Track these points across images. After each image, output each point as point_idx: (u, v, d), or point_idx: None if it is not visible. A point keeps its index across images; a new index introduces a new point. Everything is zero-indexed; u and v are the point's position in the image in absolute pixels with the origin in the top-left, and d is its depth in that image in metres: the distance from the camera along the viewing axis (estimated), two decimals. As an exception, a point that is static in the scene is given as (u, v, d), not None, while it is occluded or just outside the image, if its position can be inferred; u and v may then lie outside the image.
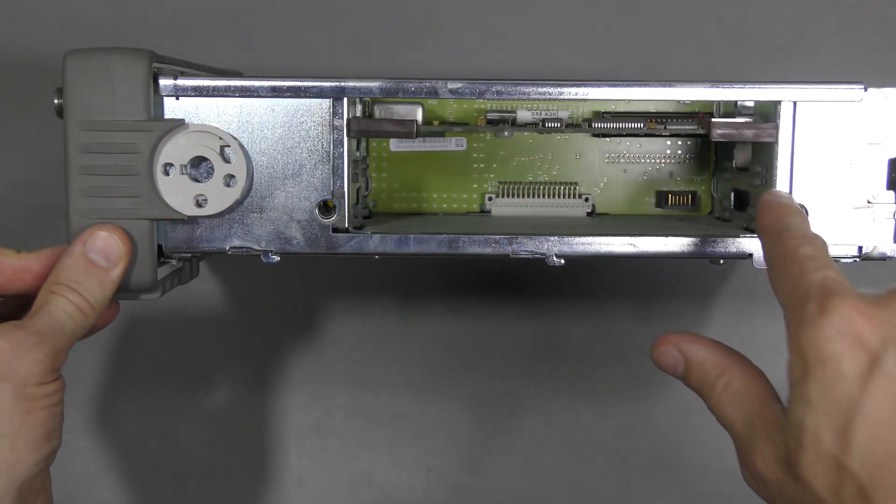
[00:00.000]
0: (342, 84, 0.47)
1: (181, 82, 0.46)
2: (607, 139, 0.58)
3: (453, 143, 0.58)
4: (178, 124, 0.46)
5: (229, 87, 0.47)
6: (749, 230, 0.51)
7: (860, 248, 0.48)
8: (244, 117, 0.47)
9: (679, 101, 0.57)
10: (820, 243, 0.40)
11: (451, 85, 0.47)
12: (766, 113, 0.49)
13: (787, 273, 0.39)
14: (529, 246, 0.48)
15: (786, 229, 0.41)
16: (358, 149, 0.52)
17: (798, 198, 0.47)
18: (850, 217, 0.48)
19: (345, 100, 0.47)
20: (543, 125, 0.54)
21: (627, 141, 0.58)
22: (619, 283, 0.68)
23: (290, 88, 0.47)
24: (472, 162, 0.59)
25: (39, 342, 0.41)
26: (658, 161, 0.59)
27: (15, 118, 0.66)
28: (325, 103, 0.47)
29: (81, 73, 0.45)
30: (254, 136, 0.47)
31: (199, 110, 0.47)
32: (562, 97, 0.47)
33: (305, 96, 0.47)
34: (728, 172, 0.56)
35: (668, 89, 0.47)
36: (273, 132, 0.47)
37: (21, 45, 0.66)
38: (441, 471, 0.69)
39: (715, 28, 0.66)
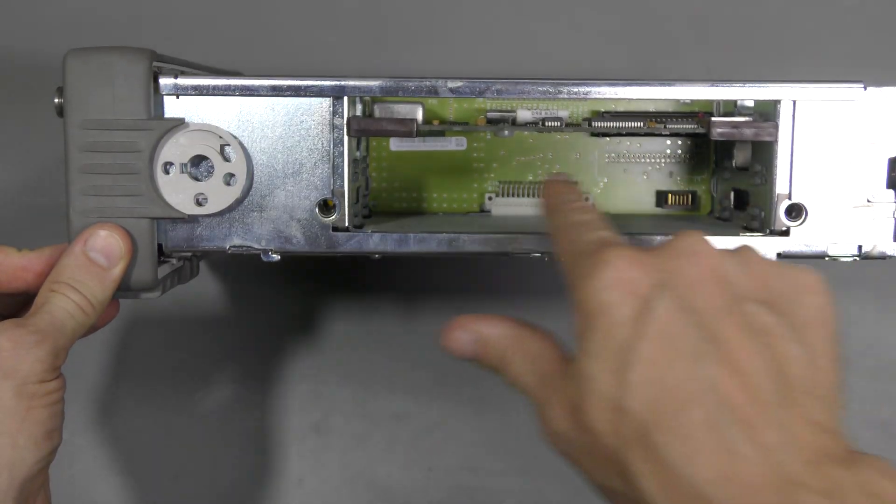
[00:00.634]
0: (342, 83, 0.47)
1: (181, 81, 0.47)
2: (607, 139, 0.58)
3: (453, 143, 0.58)
4: (179, 123, 0.46)
5: (229, 86, 0.47)
6: (749, 230, 0.51)
7: (860, 247, 0.48)
8: (244, 116, 0.47)
9: (679, 101, 0.57)
10: (594, 211, 0.41)
11: (452, 84, 0.47)
12: (766, 112, 0.49)
13: (565, 240, 0.40)
14: (529, 244, 0.48)
15: (558, 205, 0.42)
16: (358, 148, 0.52)
17: (798, 196, 0.48)
18: (850, 216, 0.48)
19: (345, 99, 0.47)
20: (543, 124, 0.54)
21: (627, 140, 0.58)
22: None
23: (290, 87, 0.47)
24: (472, 161, 0.59)
25: (41, 340, 0.41)
26: (658, 161, 0.59)
27: (15, 118, 0.67)
28: (326, 102, 0.47)
29: (82, 72, 0.45)
30: (254, 135, 0.47)
31: (199, 109, 0.47)
32: (561, 96, 0.47)
33: (305, 95, 0.47)
34: (728, 172, 0.56)
35: (667, 88, 0.47)
36: (273, 131, 0.47)
37: (21, 45, 0.66)
38: (441, 471, 0.69)
39: (715, 28, 0.66)
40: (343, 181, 0.47)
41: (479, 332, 0.43)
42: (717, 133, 0.48)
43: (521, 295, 0.68)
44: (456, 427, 0.69)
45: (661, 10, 0.66)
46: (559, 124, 0.54)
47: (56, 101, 0.46)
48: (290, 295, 0.68)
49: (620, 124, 0.53)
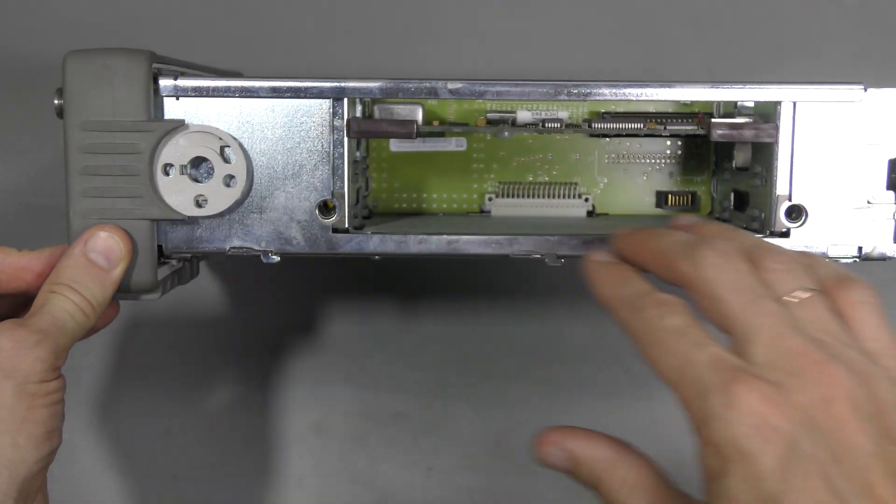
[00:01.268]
0: (342, 84, 0.47)
1: (181, 83, 0.47)
2: (607, 139, 0.58)
3: (453, 144, 0.58)
4: (178, 125, 0.46)
5: (229, 87, 0.47)
6: (749, 230, 0.51)
7: (860, 249, 0.48)
8: (244, 118, 0.47)
9: (679, 102, 0.57)
10: (678, 306, 0.38)
11: (452, 85, 0.47)
12: (766, 114, 0.49)
13: (664, 353, 0.37)
14: (529, 246, 0.48)
15: (635, 299, 0.40)
16: (358, 149, 0.52)
17: (798, 198, 0.48)
18: (850, 217, 0.48)
19: (345, 100, 0.47)
20: (543, 125, 0.54)
21: (627, 141, 0.58)
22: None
23: (290, 89, 0.47)
24: (472, 162, 0.59)
25: (41, 340, 0.41)
26: (658, 161, 0.59)
27: (15, 119, 0.66)
28: (325, 104, 0.47)
29: (81, 73, 0.45)
30: (254, 136, 0.47)
31: (199, 111, 0.47)
32: (561, 97, 0.47)
33: (305, 97, 0.47)
34: (728, 173, 0.56)
35: (667, 90, 0.47)
36: (273, 133, 0.47)
37: (21, 45, 0.66)
38: (441, 471, 0.69)
39: (714, 29, 0.66)
40: (343, 182, 0.47)
41: (570, 451, 0.42)
42: (717, 135, 0.48)
43: (521, 296, 0.68)
44: (456, 427, 0.69)
45: (661, 10, 0.66)
46: (559, 125, 0.54)
47: (56, 102, 0.46)
48: (291, 296, 0.68)
49: (620, 125, 0.53)
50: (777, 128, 0.47)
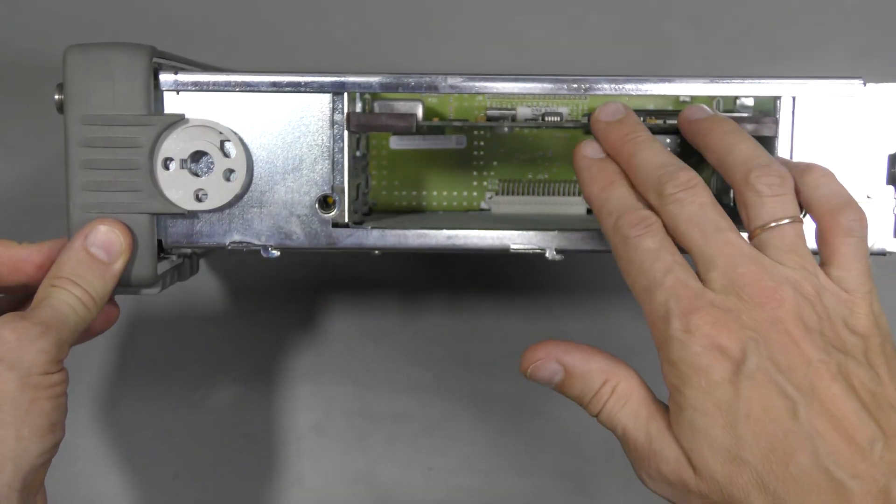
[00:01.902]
0: (342, 79, 0.47)
1: (181, 77, 0.47)
2: (607, 137, 0.58)
3: (453, 141, 0.58)
4: (179, 119, 0.46)
5: (229, 82, 0.47)
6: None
7: (860, 243, 0.48)
8: (244, 112, 0.47)
9: (678, 100, 0.57)
10: (655, 227, 0.42)
11: (451, 80, 0.47)
12: (766, 111, 0.49)
13: (636, 273, 0.42)
14: (528, 240, 0.48)
15: (620, 213, 0.43)
16: (358, 147, 0.52)
17: (797, 193, 0.48)
18: (850, 212, 0.48)
19: (345, 95, 0.47)
20: (543, 119, 0.54)
21: (627, 139, 0.58)
22: (619, 281, 0.68)
23: (290, 83, 0.47)
24: (472, 160, 0.59)
25: (44, 332, 0.41)
26: (658, 159, 0.59)
27: (15, 116, 0.67)
28: (325, 98, 0.47)
29: (82, 67, 0.45)
30: (254, 130, 0.47)
31: (199, 105, 0.47)
32: (562, 92, 0.47)
33: (305, 91, 0.47)
34: (728, 169, 0.56)
35: (667, 84, 0.48)
36: (273, 127, 0.47)
37: (21, 43, 0.67)
38: (441, 471, 0.69)
39: (714, 29, 0.66)
40: (343, 177, 0.47)
41: (566, 363, 0.45)
42: (716, 129, 0.48)
43: (521, 296, 0.68)
44: (456, 427, 0.69)
45: (660, 9, 0.66)
46: (559, 119, 0.54)
47: (56, 97, 0.46)
48: (290, 296, 0.68)
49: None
50: (777, 122, 0.47)
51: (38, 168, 0.67)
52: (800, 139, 0.48)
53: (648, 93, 0.48)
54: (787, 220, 0.42)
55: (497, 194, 0.58)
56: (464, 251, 0.48)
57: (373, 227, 0.48)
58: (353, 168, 0.49)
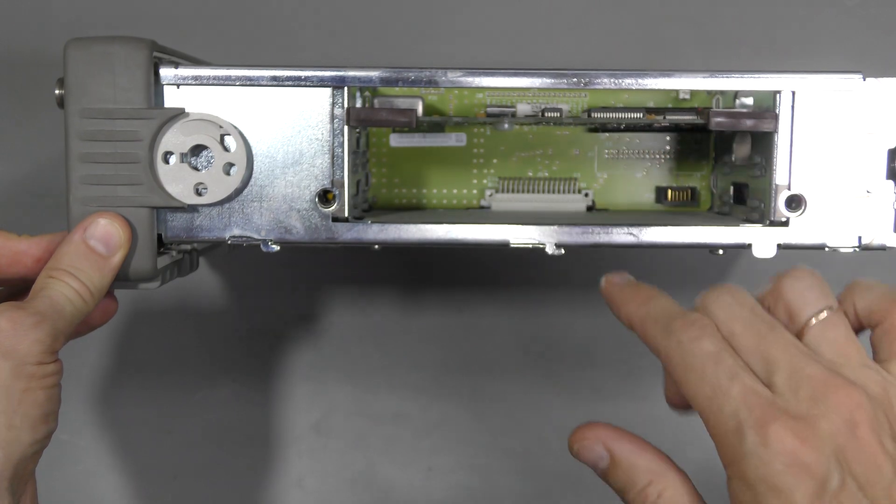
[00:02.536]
0: (342, 73, 0.47)
1: (182, 71, 0.47)
2: (607, 135, 0.58)
3: (453, 139, 0.58)
4: (179, 113, 0.46)
5: (230, 76, 0.47)
6: (749, 221, 0.51)
7: (860, 239, 0.48)
8: (244, 106, 0.47)
9: (678, 97, 0.57)
10: (710, 328, 0.40)
11: (452, 74, 0.47)
12: (766, 108, 0.49)
13: (696, 380, 0.39)
14: (528, 234, 0.48)
15: (667, 321, 0.41)
16: (358, 145, 0.52)
17: (797, 187, 0.48)
18: (850, 207, 0.48)
19: (345, 89, 0.47)
20: (543, 115, 0.54)
21: (627, 136, 0.58)
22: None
23: (290, 78, 0.47)
24: (472, 157, 0.59)
25: (40, 322, 0.41)
26: (657, 157, 0.59)
27: (15, 114, 0.67)
28: (325, 93, 0.47)
29: (82, 61, 0.45)
30: (254, 125, 0.47)
31: (199, 99, 0.47)
32: (562, 86, 0.47)
33: (306, 85, 0.47)
34: (727, 167, 0.56)
35: (666, 79, 0.48)
36: (273, 122, 0.47)
37: (20, 42, 0.67)
38: (441, 471, 0.69)
39: (714, 30, 0.66)
40: (343, 171, 0.47)
41: (614, 450, 0.42)
42: (715, 123, 0.48)
43: (521, 296, 0.68)
44: (456, 427, 0.69)
45: (660, 10, 0.66)
46: (559, 114, 0.54)
47: (56, 92, 0.46)
48: (290, 296, 0.68)
49: (620, 115, 0.53)
50: (776, 117, 0.47)
51: (36, 166, 0.67)
52: (799, 134, 0.48)
53: (648, 87, 0.48)
54: (826, 312, 0.40)
55: (497, 192, 0.58)
56: (464, 246, 0.48)
57: (373, 222, 0.48)
58: (353, 163, 0.49)
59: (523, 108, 0.56)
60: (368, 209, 0.57)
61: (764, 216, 0.49)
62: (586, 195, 0.58)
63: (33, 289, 0.43)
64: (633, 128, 0.57)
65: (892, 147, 0.48)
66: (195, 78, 0.47)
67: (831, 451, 0.37)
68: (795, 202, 0.48)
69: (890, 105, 0.47)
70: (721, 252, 0.50)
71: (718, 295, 0.41)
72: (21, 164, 0.67)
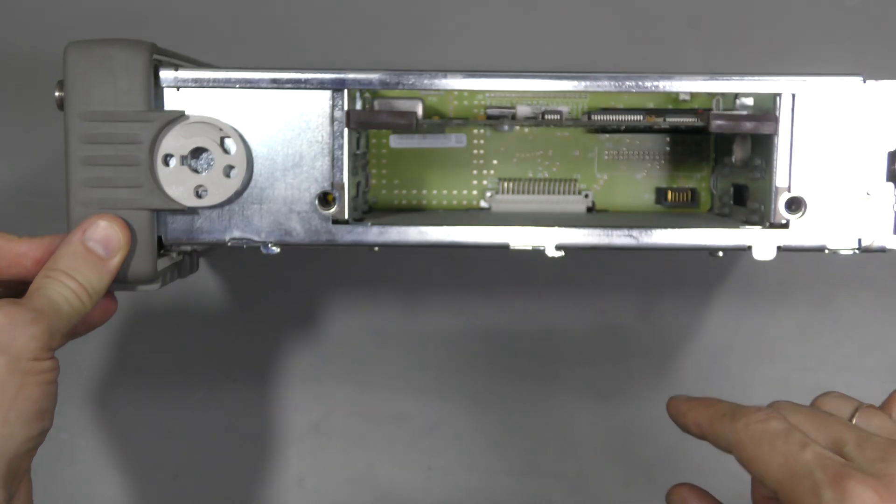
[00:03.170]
0: (342, 76, 0.47)
1: (182, 74, 0.47)
2: (607, 136, 0.58)
3: (453, 140, 0.58)
4: (179, 115, 0.46)
5: (230, 78, 0.47)
6: (749, 223, 0.51)
7: (859, 241, 0.48)
8: (244, 109, 0.47)
9: (678, 98, 0.57)
10: (776, 413, 0.42)
11: (451, 77, 0.47)
12: (766, 110, 0.49)
13: (769, 452, 0.40)
14: (529, 237, 0.48)
15: (734, 410, 0.43)
16: (358, 146, 0.52)
17: (797, 189, 0.48)
18: (850, 209, 0.48)
19: (345, 91, 0.47)
20: (542, 117, 0.54)
21: (627, 138, 0.58)
22: (620, 282, 0.68)
23: (290, 80, 0.47)
24: (472, 159, 0.59)
25: (36, 318, 0.41)
26: (658, 158, 0.59)
27: (14, 116, 0.67)
28: (325, 95, 0.47)
29: (83, 63, 0.45)
30: (254, 127, 0.47)
31: (199, 102, 0.47)
32: (563, 87, 0.47)
33: (306, 88, 0.47)
34: (728, 168, 0.56)
35: (667, 81, 0.48)
36: (273, 124, 0.47)
37: (20, 43, 0.67)
38: (441, 471, 0.69)
39: (714, 30, 0.66)
40: (343, 174, 0.47)
41: None
42: (715, 125, 0.48)
43: (521, 296, 0.68)
44: (456, 427, 0.69)
45: (660, 11, 0.66)
46: (559, 117, 0.54)
47: (56, 94, 0.46)
48: (290, 296, 0.68)
49: (620, 117, 0.53)
50: (777, 119, 0.47)
51: (36, 168, 0.67)
52: (799, 137, 0.48)
53: (648, 90, 0.48)
54: (863, 406, 0.44)
55: (497, 193, 0.58)
56: (464, 248, 0.48)
57: (373, 224, 0.48)
58: (353, 165, 0.49)
59: (523, 110, 0.56)
60: (368, 210, 0.57)
61: (764, 218, 0.49)
62: (586, 196, 0.58)
63: (31, 288, 0.43)
64: (633, 129, 0.57)
65: (892, 149, 0.48)
66: (195, 80, 0.47)
67: None
68: (795, 204, 0.48)
69: (890, 107, 0.47)
70: (721, 254, 0.50)
71: (773, 404, 0.43)
72: (21, 167, 0.67)
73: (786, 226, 0.48)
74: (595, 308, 0.68)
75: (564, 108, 0.56)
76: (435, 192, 0.59)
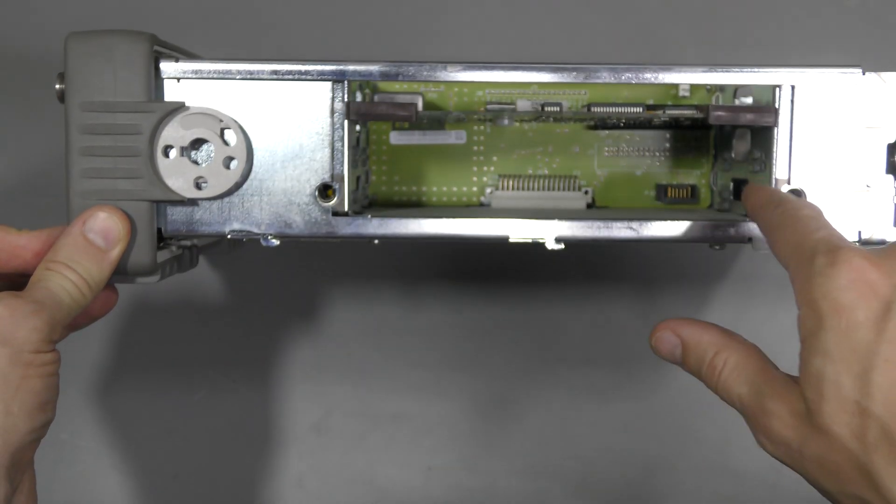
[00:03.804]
0: (342, 67, 0.47)
1: (182, 65, 0.47)
2: (606, 132, 0.58)
3: (453, 137, 0.58)
4: (179, 106, 0.46)
5: (230, 70, 0.47)
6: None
7: (860, 233, 0.48)
8: (245, 100, 0.47)
9: (678, 94, 0.57)
10: (817, 208, 0.42)
11: (452, 69, 0.47)
12: (765, 104, 0.49)
13: (790, 232, 0.40)
14: (528, 229, 0.48)
15: (781, 199, 0.43)
16: (358, 143, 0.52)
17: (797, 182, 0.48)
18: (849, 201, 0.48)
19: (345, 83, 0.47)
20: (542, 110, 0.54)
21: (627, 134, 0.58)
22: (620, 279, 0.68)
23: (290, 72, 0.47)
24: (472, 155, 0.59)
25: (37, 310, 0.41)
26: (657, 154, 0.59)
27: (14, 113, 0.67)
28: (326, 87, 0.47)
29: (83, 54, 0.45)
30: (254, 119, 0.47)
31: (199, 93, 0.47)
32: (563, 80, 0.47)
33: (306, 80, 0.47)
34: (727, 163, 0.56)
35: (666, 73, 0.48)
36: (273, 116, 0.47)
37: (20, 41, 0.67)
38: (441, 471, 0.69)
39: (714, 29, 0.66)
40: (343, 166, 0.47)
41: (682, 335, 0.44)
42: (714, 116, 0.48)
43: (521, 295, 0.68)
44: (456, 427, 0.69)
45: (660, 8, 0.67)
46: (559, 109, 0.54)
47: (57, 87, 0.46)
48: (290, 296, 0.68)
49: (620, 110, 0.53)
50: (776, 111, 0.47)
51: (35, 161, 0.67)
52: (799, 129, 0.48)
53: (647, 81, 0.48)
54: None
55: (497, 189, 0.58)
56: (464, 241, 0.48)
57: (373, 216, 0.48)
58: (353, 158, 0.49)
59: (523, 104, 0.55)
60: (368, 206, 0.57)
61: (764, 211, 0.49)
62: (586, 193, 0.58)
63: (31, 280, 0.43)
64: (632, 124, 0.57)
65: (892, 141, 0.48)
66: (195, 72, 0.47)
67: None
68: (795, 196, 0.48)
69: (889, 99, 0.47)
70: (720, 248, 0.50)
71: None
72: (21, 160, 0.67)
73: (786, 218, 0.48)
74: (596, 308, 0.68)
75: (564, 102, 0.56)
76: (435, 188, 0.59)
